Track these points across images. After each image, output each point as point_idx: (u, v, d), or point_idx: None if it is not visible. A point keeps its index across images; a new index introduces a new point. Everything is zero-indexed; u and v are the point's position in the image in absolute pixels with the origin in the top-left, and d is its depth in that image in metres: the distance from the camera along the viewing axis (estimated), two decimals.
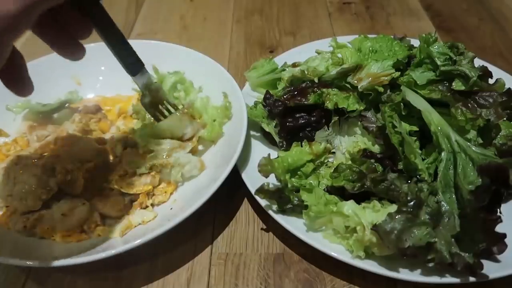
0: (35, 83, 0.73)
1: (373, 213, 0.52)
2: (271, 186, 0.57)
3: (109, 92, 0.77)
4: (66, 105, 0.72)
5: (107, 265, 0.56)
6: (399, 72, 0.67)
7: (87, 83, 0.78)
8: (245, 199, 0.65)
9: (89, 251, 0.54)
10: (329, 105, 0.64)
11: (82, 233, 0.57)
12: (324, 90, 0.66)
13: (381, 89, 0.65)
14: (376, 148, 0.64)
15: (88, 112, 0.70)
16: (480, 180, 0.49)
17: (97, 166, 0.60)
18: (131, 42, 0.95)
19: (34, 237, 0.55)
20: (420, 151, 0.58)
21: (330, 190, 0.58)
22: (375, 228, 0.49)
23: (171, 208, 0.60)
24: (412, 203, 0.50)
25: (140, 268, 0.57)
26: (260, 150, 0.68)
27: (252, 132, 0.71)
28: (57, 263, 0.50)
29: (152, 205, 0.61)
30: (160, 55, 0.79)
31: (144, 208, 0.59)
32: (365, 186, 0.55)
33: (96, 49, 0.79)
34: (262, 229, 0.61)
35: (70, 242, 0.55)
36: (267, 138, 0.70)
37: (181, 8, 1.15)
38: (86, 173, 0.59)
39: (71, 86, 0.76)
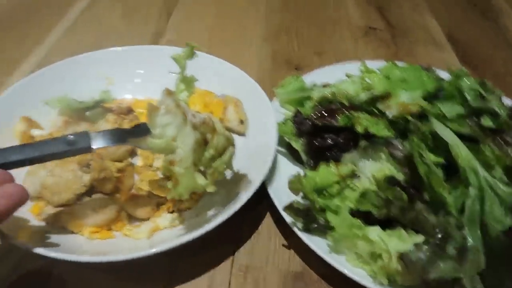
0: (72, 79, 0.75)
1: (399, 242, 0.53)
2: (299, 204, 0.58)
3: (140, 95, 0.78)
4: (100, 104, 0.73)
5: (129, 265, 0.56)
6: (428, 103, 0.69)
7: (120, 84, 0.79)
8: (268, 213, 0.66)
9: (114, 250, 0.54)
10: (359, 128, 0.66)
11: (110, 231, 0.57)
12: (354, 113, 0.67)
13: (409, 118, 0.66)
14: (400, 176, 0.65)
15: (121, 113, 0.71)
16: (509, 220, 0.50)
17: (128, 166, 0.61)
18: (161, 48, 0.96)
19: (64, 230, 0.56)
20: (447, 184, 0.59)
21: (355, 213, 0.59)
22: (401, 257, 0.50)
23: (196, 215, 0.60)
24: (439, 235, 0.51)
25: (160, 271, 0.57)
26: (286, 166, 0.69)
27: (279, 148, 0.72)
28: (83, 258, 0.51)
29: (179, 210, 0.61)
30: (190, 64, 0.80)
31: (171, 213, 0.60)
32: (392, 214, 0.56)
33: (132, 51, 0.82)
34: (283, 245, 0.62)
35: (97, 239, 0.56)
36: (293, 155, 0.71)
37: (211, 20, 1.17)
38: (117, 172, 0.60)
39: (105, 86, 0.78)
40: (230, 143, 0.56)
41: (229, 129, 0.57)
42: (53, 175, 0.55)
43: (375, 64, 0.82)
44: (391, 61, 0.81)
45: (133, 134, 0.54)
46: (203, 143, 0.52)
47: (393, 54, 1.10)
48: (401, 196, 0.58)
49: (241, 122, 0.70)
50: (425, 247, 0.51)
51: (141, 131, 0.53)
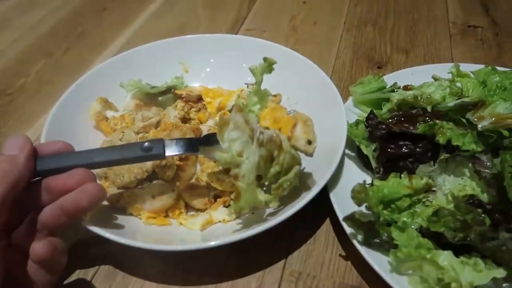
0: (149, 64, 0.78)
1: (474, 272, 0.46)
2: (361, 215, 0.53)
3: (211, 84, 0.78)
4: (172, 90, 0.74)
5: (180, 255, 0.57)
6: None
7: (194, 72, 0.80)
8: (328, 219, 0.62)
9: (168, 238, 0.55)
10: (440, 139, 0.59)
11: (167, 218, 0.58)
12: (437, 121, 0.60)
13: (505, 133, 0.58)
14: (485, 197, 0.57)
15: (189, 100, 0.72)
16: None
17: (191, 156, 0.61)
18: (238, 36, 0.95)
19: (124, 212, 0.58)
20: None
21: (425, 232, 0.53)
22: None
23: (252, 213, 0.59)
24: None
25: (211, 265, 0.57)
26: (351, 171, 0.64)
27: (346, 151, 0.67)
28: (137, 244, 0.51)
29: None
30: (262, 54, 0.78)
31: (227, 207, 0.59)
32: (469, 239, 0.49)
33: (207, 40, 0.82)
34: (340, 255, 0.58)
35: (153, 224, 0.57)
36: (362, 160, 0.66)
37: (293, 9, 1.14)
38: (179, 160, 0.60)
39: (178, 72, 0.79)
40: (296, 162, 0.54)
41: (296, 148, 0.55)
42: None
43: (469, 67, 0.73)
44: (491, 65, 0.71)
45: (205, 143, 0.56)
46: (269, 160, 0.52)
47: (495, 58, 0.97)
48: (483, 221, 0.51)
49: (309, 142, 0.65)
50: (506, 284, 0.44)
51: (212, 141, 0.55)
